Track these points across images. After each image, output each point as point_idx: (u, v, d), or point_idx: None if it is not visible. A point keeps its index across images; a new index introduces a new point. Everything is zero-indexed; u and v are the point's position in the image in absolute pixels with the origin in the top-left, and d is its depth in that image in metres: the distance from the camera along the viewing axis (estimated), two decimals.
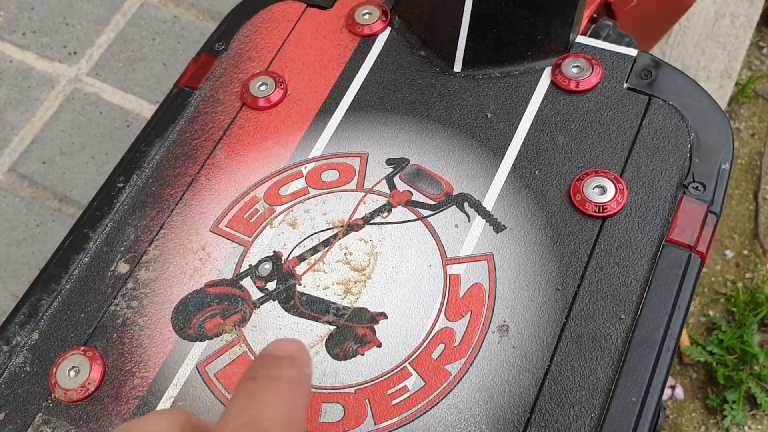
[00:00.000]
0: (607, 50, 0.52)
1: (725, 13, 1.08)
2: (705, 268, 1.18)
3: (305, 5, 0.58)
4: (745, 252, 1.20)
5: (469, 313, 0.44)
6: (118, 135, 0.97)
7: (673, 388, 1.09)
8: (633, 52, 0.52)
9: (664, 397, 1.10)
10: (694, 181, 0.46)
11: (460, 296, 0.45)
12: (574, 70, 0.51)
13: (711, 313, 1.15)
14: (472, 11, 0.51)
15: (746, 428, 1.06)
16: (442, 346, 0.43)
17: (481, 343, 0.43)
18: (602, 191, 0.46)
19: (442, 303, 0.45)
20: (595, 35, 0.59)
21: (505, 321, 0.43)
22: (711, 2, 1.08)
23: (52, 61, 1.03)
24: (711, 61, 1.03)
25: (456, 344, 0.43)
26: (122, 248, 0.49)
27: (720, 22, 1.07)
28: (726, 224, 1.22)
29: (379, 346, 0.44)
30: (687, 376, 1.11)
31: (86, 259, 0.49)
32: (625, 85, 0.51)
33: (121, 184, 0.52)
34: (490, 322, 0.44)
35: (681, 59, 1.03)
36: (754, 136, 1.29)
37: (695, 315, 1.15)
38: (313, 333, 0.45)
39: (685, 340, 1.11)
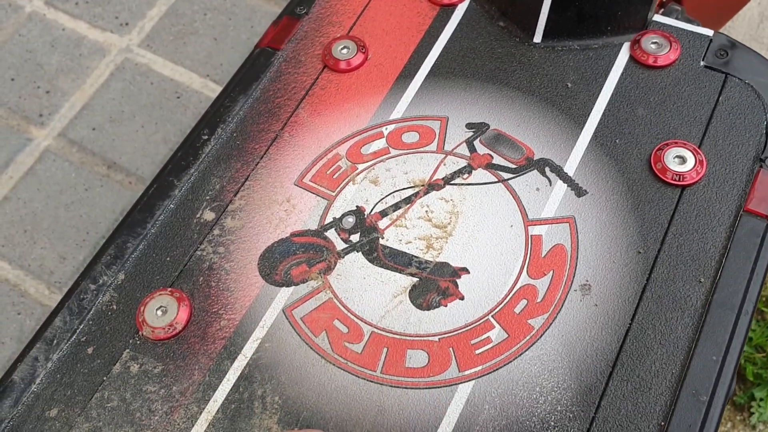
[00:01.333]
0: (684, 29, 0.53)
1: None
2: None
3: None
4: None
5: (552, 272, 0.45)
6: (168, 106, 0.98)
7: None
8: (709, 32, 0.53)
9: None
10: None
11: (542, 256, 0.46)
12: (653, 46, 0.52)
13: None
14: None
15: None
16: (524, 302, 0.45)
17: (564, 300, 0.44)
18: (682, 161, 0.48)
19: (524, 261, 0.46)
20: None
21: (587, 280, 0.45)
22: (756, 4, 1.09)
23: (103, 31, 1.05)
24: None
25: (539, 300, 0.44)
26: (208, 197, 0.50)
27: (765, 24, 1.08)
28: None
29: (462, 299, 0.45)
30: None
31: (172, 205, 0.50)
32: (702, 63, 0.52)
33: (205, 137, 0.53)
34: (573, 281, 0.45)
35: None
36: None
37: None
38: (396, 284, 0.46)
39: None
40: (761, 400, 1.06)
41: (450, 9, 0.57)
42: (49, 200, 0.94)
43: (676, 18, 0.60)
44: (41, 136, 0.98)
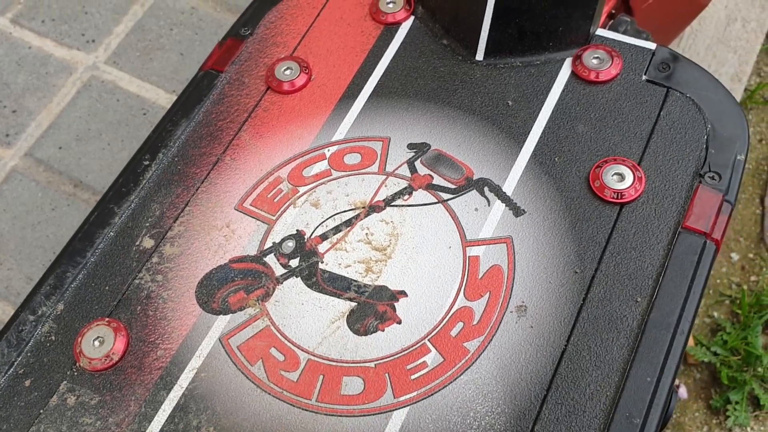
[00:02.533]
0: (627, 43, 0.53)
1: (737, 17, 1.09)
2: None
3: None
4: (751, 255, 1.21)
5: (488, 293, 0.45)
6: (134, 123, 0.98)
7: (677, 387, 1.09)
8: (652, 45, 0.53)
9: None
10: (710, 171, 0.47)
11: (479, 277, 0.46)
12: (595, 61, 0.52)
13: (716, 314, 1.16)
14: (496, 2, 0.52)
15: (749, 429, 1.07)
16: (461, 324, 0.44)
17: (500, 323, 0.44)
18: (621, 178, 0.47)
19: (462, 283, 0.46)
20: (613, 30, 0.60)
21: (523, 302, 0.44)
22: (723, 6, 1.09)
23: (70, 49, 1.05)
24: (722, 64, 1.04)
25: (475, 323, 0.44)
26: (147, 224, 0.50)
27: (731, 27, 1.08)
28: (732, 228, 1.23)
29: (399, 322, 0.45)
30: (691, 376, 1.12)
31: (111, 233, 0.50)
32: (644, 77, 0.52)
33: (147, 162, 0.53)
34: (509, 302, 0.45)
35: None
36: (761, 141, 1.30)
37: (700, 316, 1.16)
38: (334, 309, 0.46)
39: (689, 340, 1.12)
40: (737, 403, 1.06)
41: (394, 28, 0.56)
42: (15, 221, 0.94)
43: (625, 30, 0.60)
44: (7, 156, 0.98)
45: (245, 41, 0.57)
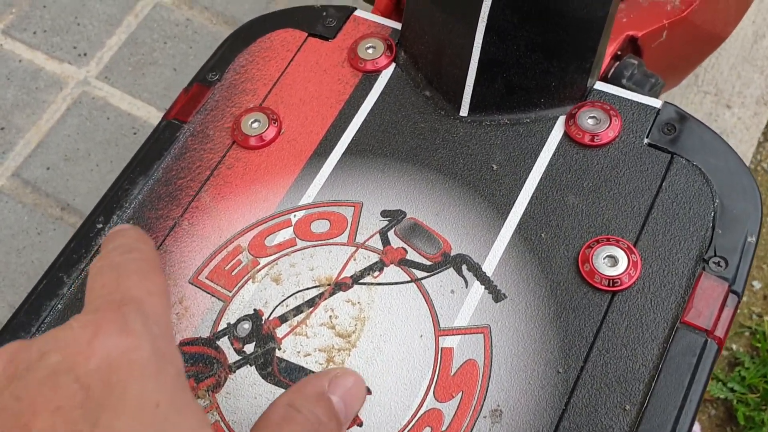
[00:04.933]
0: (628, 99, 0.48)
1: (765, 34, 1.02)
2: None
3: (306, 34, 0.54)
4: None
5: (461, 394, 0.40)
6: (123, 143, 0.94)
7: None
8: (657, 103, 0.47)
9: None
10: (715, 255, 0.42)
11: (452, 373, 0.41)
12: (590, 121, 0.47)
13: (734, 347, 1.10)
14: (481, 53, 0.47)
15: None
16: (428, 430, 0.40)
17: (471, 430, 0.39)
18: (613, 262, 0.42)
19: (432, 380, 0.41)
20: (618, 74, 0.55)
21: (498, 405, 0.40)
22: (750, 22, 1.02)
23: (61, 62, 1.01)
24: (747, 86, 0.98)
25: (443, 429, 0.40)
26: None
27: (759, 44, 1.01)
28: (756, 254, 1.16)
29: (360, 425, 0.40)
30: (705, 413, 1.06)
31: (60, 306, 0.46)
32: (646, 141, 0.46)
33: (100, 225, 0.49)
34: (482, 405, 0.40)
35: (715, 83, 0.98)
36: None
37: None
38: None
39: None
40: None
41: (373, 76, 0.52)
42: (0, 245, 0.91)
43: (632, 74, 0.55)
44: None
45: (212, 88, 0.53)
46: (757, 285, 1.14)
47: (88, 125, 0.96)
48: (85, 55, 1.01)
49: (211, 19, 1.02)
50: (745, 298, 1.13)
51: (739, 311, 1.12)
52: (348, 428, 0.40)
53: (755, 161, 1.24)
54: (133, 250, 0.36)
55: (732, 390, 1.04)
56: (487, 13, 0.46)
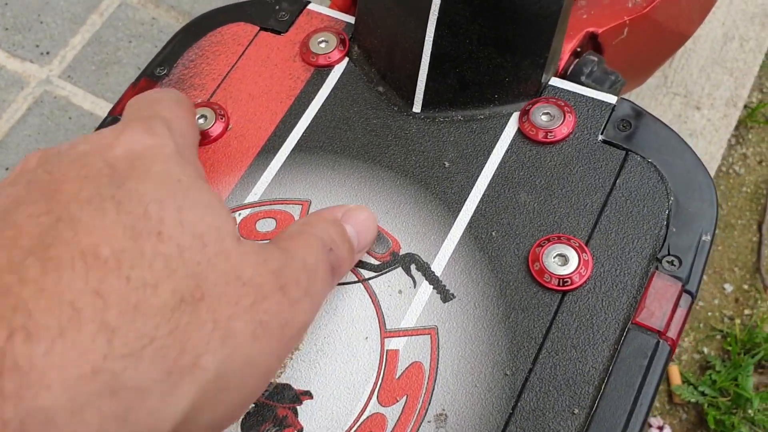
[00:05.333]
0: (583, 96, 0.47)
1: (734, 36, 1.02)
2: (702, 302, 1.12)
3: (258, 28, 0.53)
4: (746, 287, 1.14)
5: (405, 398, 0.39)
6: None
7: (661, 429, 1.03)
8: (612, 99, 0.46)
9: None
10: (669, 254, 0.41)
11: (396, 377, 0.40)
12: (544, 117, 0.46)
13: (705, 350, 1.09)
14: (433, 48, 0.46)
15: None
16: None
17: None
18: (564, 261, 0.41)
19: (376, 384, 0.39)
20: (577, 71, 0.54)
21: (443, 409, 0.38)
22: (720, 24, 1.02)
23: (23, 61, 0.99)
24: (716, 87, 0.97)
25: None
26: None
27: (728, 46, 1.01)
28: (727, 256, 1.16)
29: (300, 430, 0.39)
30: (677, 417, 1.06)
31: None
32: (600, 137, 0.45)
33: None
34: (427, 409, 0.38)
35: (684, 84, 0.97)
36: (761, 163, 1.23)
37: (689, 352, 1.09)
38: None
39: (676, 377, 1.06)
40: None
41: (325, 71, 0.50)
42: None
43: (591, 71, 0.54)
44: None
45: (160, 82, 0.51)
46: (728, 288, 1.14)
47: (49, 125, 0.94)
48: (47, 53, 0.99)
49: (178, 18, 1.01)
50: (716, 301, 1.13)
51: (710, 314, 1.12)
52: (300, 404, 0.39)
53: (727, 164, 1.23)
54: (171, 91, 0.40)
55: (703, 394, 1.03)
56: (438, 6, 0.44)
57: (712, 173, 0.91)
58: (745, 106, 1.26)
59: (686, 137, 0.93)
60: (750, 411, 1.01)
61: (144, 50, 0.98)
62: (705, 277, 1.14)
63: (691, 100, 0.95)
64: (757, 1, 1.04)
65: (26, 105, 0.96)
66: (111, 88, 0.95)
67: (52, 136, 0.93)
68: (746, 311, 1.12)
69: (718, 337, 1.09)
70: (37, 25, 1.00)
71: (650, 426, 1.03)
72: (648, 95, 0.95)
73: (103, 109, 0.94)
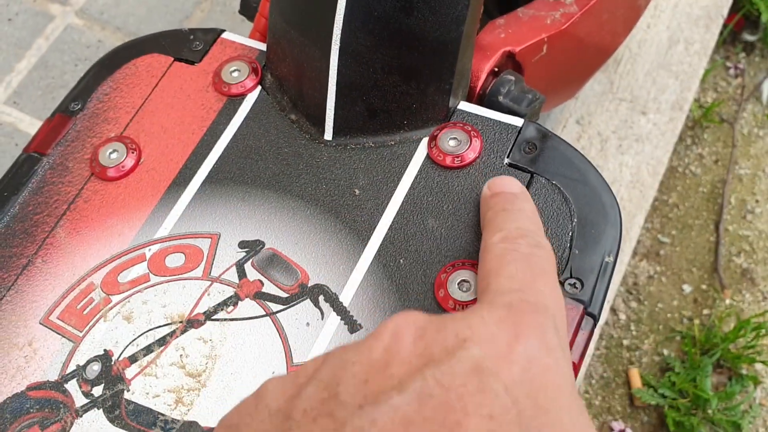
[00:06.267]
0: (490, 119, 0.47)
1: (679, 39, 1.02)
2: (661, 303, 1.13)
3: (172, 59, 0.53)
4: (704, 287, 1.15)
5: None
6: None
7: (623, 431, 1.04)
8: (519, 121, 0.47)
9: None
10: (571, 277, 0.41)
11: None
12: (452, 143, 0.46)
13: (665, 351, 1.10)
14: (338, 76, 0.46)
15: None
16: None
17: None
18: (468, 287, 0.41)
19: None
20: (495, 91, 0.54)
21: None
22: (664, 28, 1.03)
23: None
24: (662, 91, 0.98)
25: None
26: None
27: (673, 50, 1.02)
28: (685, 257, 1.16)
29: None
30: (638, 419, 1.06)
31: None
32: (507, 161, 0.45)
33: None
34: None
35: (630, 89, 0.98)
36: (717, 162, 1.24)
37: (649, 354, 1.10)
38: None
39: (636, 380, 1.06)
40: None
41: (238, 100, 0.50)
42: None
43: (508, 90, 0.54)
44: None
45: (74, 118, 0.51)
46: (687, 289, 1.14)
47: None
48: None
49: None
50: (675, 302, 1.13)
51: (669, 315, 1.12)
52: None
53: (683, 165, 1.24)
54: (540, 246, 0.36)
55: (663, 396, 1.03)
56: (339, 36, 0.44)
57: (659, 178, 0.92)
58: (700, 106, 1.27)
59: (632, 142, 0.93)
60: (709, 411, 1.01)
61: None
62: (663, 278, 1.15)
63: (637, 105, 0.96)
64: (701, 4, 1.05)
65: None
66: None
67: (0, 163, 0.93)
68: (705, 311, 1.12)
69: (677, 338, 1.10)
70: None
71: (612, 430, 1.04)
72: (594, 101, 0.96)
73: None
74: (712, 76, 1.29)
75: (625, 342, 1.10)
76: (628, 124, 0.96)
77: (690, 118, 1.25)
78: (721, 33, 1.10)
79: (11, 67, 0.99)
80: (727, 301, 1.13)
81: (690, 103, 0.97)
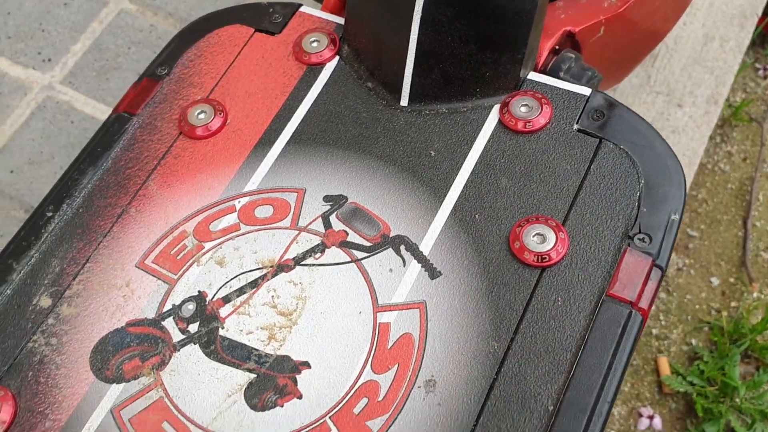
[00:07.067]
0: (559, 88, 0.50)
1: (714, 36, 1.05)
2: (689, 295, 1.16)
3: (253, 30, 0.56)
4: (732, 280, 1.17)
5: (396, 366, 0.42)
6: None
7: (651, 418, 1.06)
8: (587, 91, 0.50)
9: (643, 426, 1.07)
10: (640, 232, 0.44)
11: (389, 347, 0.42)
12: (523, 109, 0.49)
13: (694, 341, 1.12)
14: (417, 45, 0.49)
15: None
16: (365, 401, 0.41)
17: (406, 399, 0.41)
18: (542, 239, 0.44)
19: (369, 354, 0.42)
20: (556, 68, 0.57)
21: (432, 375, 0.41)
22: (700, 25, 1.05)
23: (25, 68, 1.02)
24: (698, 86, 1.01)
25: (380, 399, 0.41)
26: (46, 281, 0.47)
27: (709, 46, 1.04)
28: (713, 251, 1.19)
29: (300, 397, 0.42)
30: (666, 406, 1.08)
31: (8, 291, 0.47)
32: (576, 127, 0.48)
33: (50, 214, 0.50)
34: (417, 376, 0.41)
35: (667, 83, 1.01)
36: (745, 160, 1.26)
37: (677, 343, 1.12)
38: (232, 381, 0.43)
39: (665, 368, 1.09)
40: None
41: (317, 69, 0.53)
42: None
43: (569, 68, 0.57)
44: None
45: (161, 82, 0.54)
46: (715, 281, 1.17)
47: (52, 129, 0.97)
48: (49, 60, 1.02)
49: (175, 25, 1.04)
50: (703, 294, 1.16)
51: (697, 307, 1.15)
52: (287, 401, 0.42)
53: (712, 161, 1.27)
54: None
55: (691, 384, 1.06)
56: (421, 7, 0.48)
57: (695, 168, 0.95)
58: (730, 105, 1.30)
59: (669, 134, 0.96)
60: (737, 399, 1.04)
61: (143, 56, 1.01)
62: (692, 271, 1.17)
63: (674, 98, 0.99)
64: (736, 3, 1.07)
65: (29, 110, 0.99)
66: (111, 93, 0.98)
67: (55, 140, 0.96)
68: (733, 303, 1.15)
69: (706, 329, 1.12)
70: (39, 33, 1.04)
71: (641, 416, 1.06)
72: (632, 94, 0.99)
73: (103, 113, 0.97)
74: (741, 77, 1.32)
75: (654, 331, 1.13)
76: (665, 116, 0.99)
77: (720, 116, 1.27)
78: (751, 35, 1.12)
79: (67, 49, 1.03)
80: (755, 294, 1.15)
81: (724, 97, 1.00)
